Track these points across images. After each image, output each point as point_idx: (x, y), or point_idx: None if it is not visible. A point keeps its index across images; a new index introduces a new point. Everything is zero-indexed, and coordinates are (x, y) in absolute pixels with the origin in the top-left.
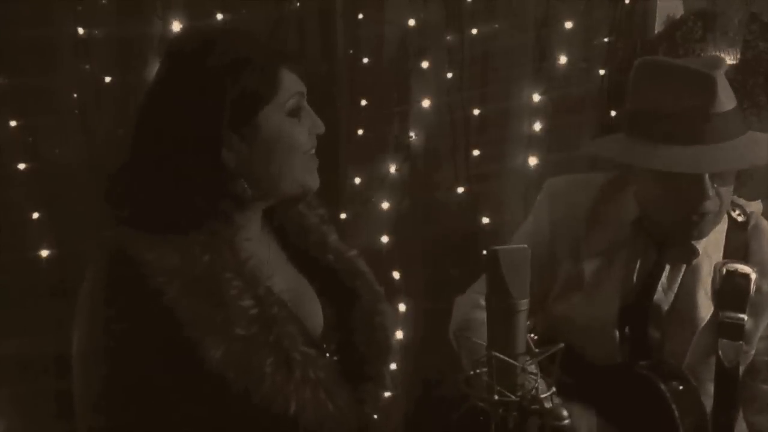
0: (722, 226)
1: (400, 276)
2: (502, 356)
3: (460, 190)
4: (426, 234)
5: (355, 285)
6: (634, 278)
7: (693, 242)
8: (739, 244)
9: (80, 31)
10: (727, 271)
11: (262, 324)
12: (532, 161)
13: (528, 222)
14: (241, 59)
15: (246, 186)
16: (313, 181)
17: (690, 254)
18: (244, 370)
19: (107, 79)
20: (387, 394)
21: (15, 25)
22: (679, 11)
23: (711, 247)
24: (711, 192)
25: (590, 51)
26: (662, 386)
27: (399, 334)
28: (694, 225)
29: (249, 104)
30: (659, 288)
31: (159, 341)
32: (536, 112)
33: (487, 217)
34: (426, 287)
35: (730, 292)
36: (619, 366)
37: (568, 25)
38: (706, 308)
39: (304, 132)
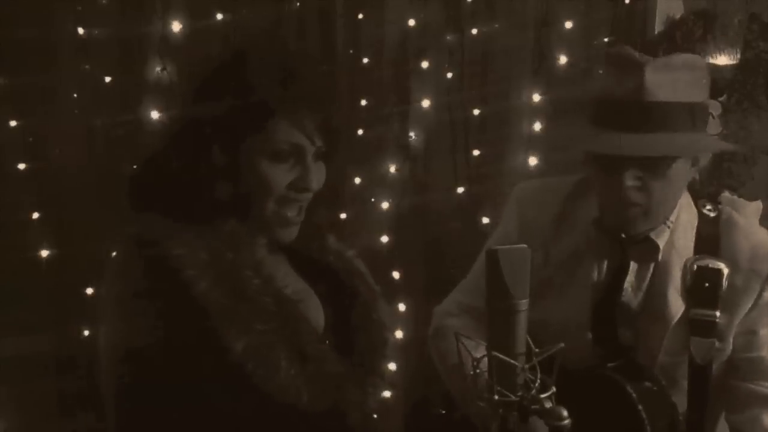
0: (692, 222)
1: (400, 276)
2: (502, 356)
3: (460, 190)
4: (426, 234)
5: (354, 283)
6: (602, 278)
7: (653, 238)
8: (710, 240)
9: (80, 31)
10: (698, 267)
11: (280, 320)
12: (532, 161)
13: (498, 229)
14: (248, 87)
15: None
16: (285, 236)
17: (651, 251)
18: (262, 363)
19: (107, 79)
20: (386, 392)
21: (15, 25)
22: (679, 11)
23: (681, 243)
24: (630, 181)
25: (590, 51)
26: (628, 387)
27: (399, 334)
28: (618, 214)
29: (237, 127)
30: (628, 287)
31: (187, 330)
32: (536, 112)
33: (487, 217)
34: (426, 287)
35: (701, 288)
36: (588, 368)
37: (568, 25)
38: (676, 306)
39: (283, 179)
